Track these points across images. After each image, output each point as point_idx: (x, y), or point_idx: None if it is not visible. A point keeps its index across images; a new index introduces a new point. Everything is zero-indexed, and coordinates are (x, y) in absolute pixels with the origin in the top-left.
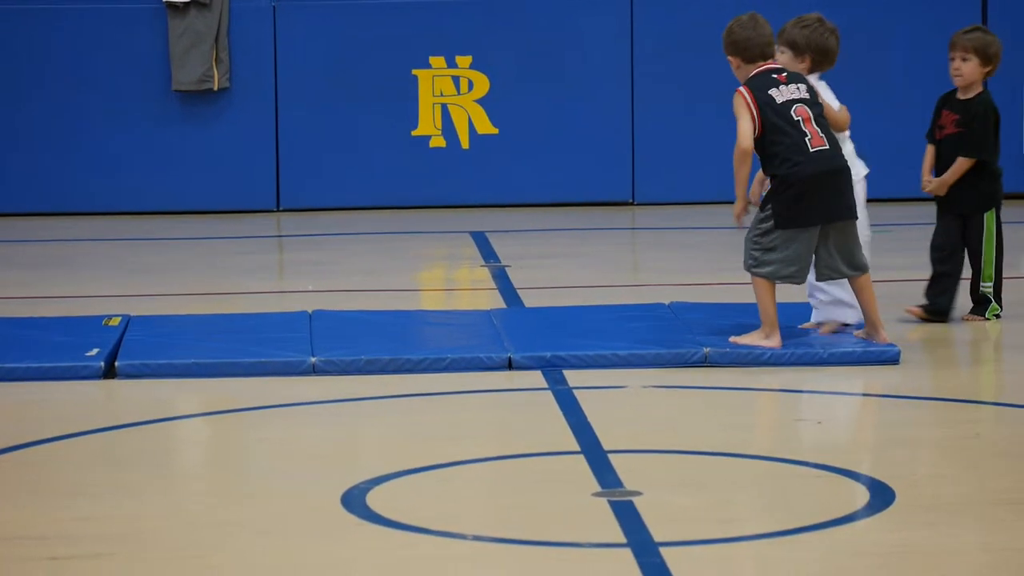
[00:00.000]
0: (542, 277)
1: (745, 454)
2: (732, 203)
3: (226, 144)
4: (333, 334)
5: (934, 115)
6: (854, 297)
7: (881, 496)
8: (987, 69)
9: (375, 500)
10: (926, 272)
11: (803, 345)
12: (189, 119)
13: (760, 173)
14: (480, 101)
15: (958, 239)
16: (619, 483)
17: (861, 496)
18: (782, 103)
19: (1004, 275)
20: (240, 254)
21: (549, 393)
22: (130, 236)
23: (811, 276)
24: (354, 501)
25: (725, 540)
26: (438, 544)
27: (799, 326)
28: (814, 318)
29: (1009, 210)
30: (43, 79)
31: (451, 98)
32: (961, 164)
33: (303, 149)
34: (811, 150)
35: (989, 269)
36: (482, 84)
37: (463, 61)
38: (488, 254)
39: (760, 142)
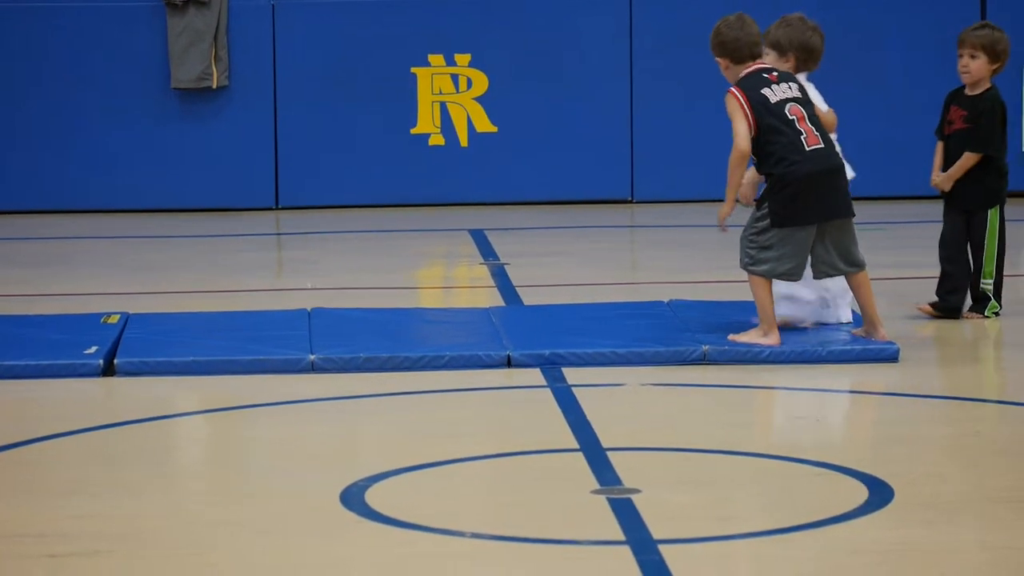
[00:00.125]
0: (541, 275)
1: (744, 452)
2: None
3: (225, 142)
4: (332, 332)
5: (943, 111)
6: (813, 295)
7: (880, 494)
8: (995, 66)
9: (374, 498)
10: (922, 270)
11: (802, 343)
12: (188, 117)
13: (749, 174)
14: (479, 99)
15: (964, 236)
16: (618, 481)
17: (860, 494)
18: (776, 102)
19: (1004, 273)
20: (239, 252)
21: (548, 391)
22: (129, 234)
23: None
24: (353, 499)
25: (724, 538)
26: (437, 541)
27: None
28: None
29: (1009, 209)
30: (42, 77)
31: (450, 96)
32: (967, 159)
33: (302, 147)
34: (807, 149)
35: (990, 266)
36: (481, 82)
37: (462, 59)
38: (487, 252)
39: (755, 142)
